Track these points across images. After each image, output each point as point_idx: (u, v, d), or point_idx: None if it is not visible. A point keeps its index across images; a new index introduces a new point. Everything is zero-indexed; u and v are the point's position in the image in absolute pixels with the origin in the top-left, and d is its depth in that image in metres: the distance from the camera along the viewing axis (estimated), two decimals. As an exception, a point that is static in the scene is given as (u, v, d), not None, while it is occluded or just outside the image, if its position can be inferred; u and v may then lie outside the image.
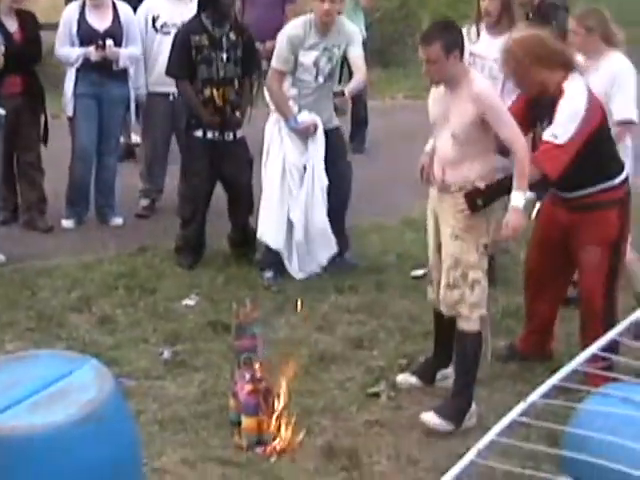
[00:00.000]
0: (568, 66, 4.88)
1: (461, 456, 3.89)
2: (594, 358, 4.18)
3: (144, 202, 7.69)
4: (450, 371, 5.00)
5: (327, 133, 6.34)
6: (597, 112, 4.80)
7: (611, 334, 4.28)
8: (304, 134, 6.26)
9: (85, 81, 7.23)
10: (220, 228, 6.81)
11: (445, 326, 4.88)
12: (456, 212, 4.60)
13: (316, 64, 6.26)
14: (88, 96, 7.25)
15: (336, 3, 6.17)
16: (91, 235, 7.14)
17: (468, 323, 4.67)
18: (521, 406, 3.97)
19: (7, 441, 2.90)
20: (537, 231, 5.32)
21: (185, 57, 6.38)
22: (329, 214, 6.38)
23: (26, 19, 7.10)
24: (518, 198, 4.57)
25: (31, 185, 7.31)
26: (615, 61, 5.73)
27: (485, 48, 6.07)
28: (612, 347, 4.19)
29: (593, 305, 4.96)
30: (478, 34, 6.19)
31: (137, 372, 5.07)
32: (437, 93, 4.80)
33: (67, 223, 7.47)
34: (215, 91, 6.37)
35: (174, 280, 6.32)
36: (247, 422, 4.42)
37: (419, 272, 6.34)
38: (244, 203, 6.62)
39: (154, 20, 7.37)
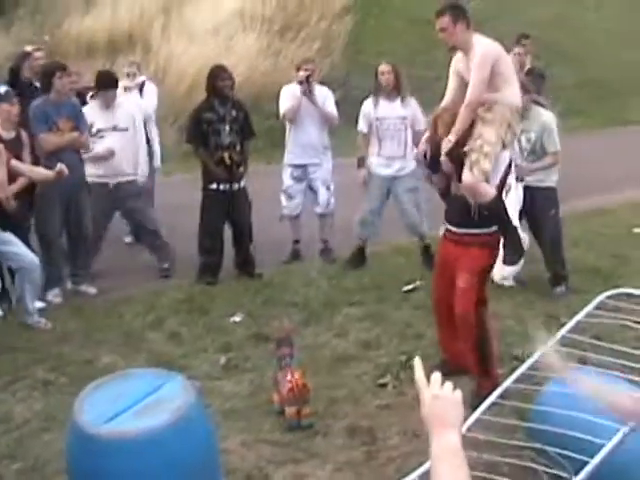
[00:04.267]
0: None
1: (454, 431, 3.90)
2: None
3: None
4: None
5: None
6: None
7: (563, 331, 4.27)
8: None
9: None
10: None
11: None
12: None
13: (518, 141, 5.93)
14: None
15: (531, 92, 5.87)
16: (154, 272, 6.98)
17: None
18: (498, 391, 3.99)
19: (118, 442, 2.90)
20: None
21: (198, 129, 6.48)
22: None
23: None
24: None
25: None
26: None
27: (387, 111, 6.42)
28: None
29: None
30: (377, 103, 6.45)
31: (201, 375, 5.03)
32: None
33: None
34: (225, 153, 6.45)
35: (223, 302, 6.26)
36: (288, 411, 4.40)
37: (409, 287, 6.36)
38: (245, 236, 6.74)
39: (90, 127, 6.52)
